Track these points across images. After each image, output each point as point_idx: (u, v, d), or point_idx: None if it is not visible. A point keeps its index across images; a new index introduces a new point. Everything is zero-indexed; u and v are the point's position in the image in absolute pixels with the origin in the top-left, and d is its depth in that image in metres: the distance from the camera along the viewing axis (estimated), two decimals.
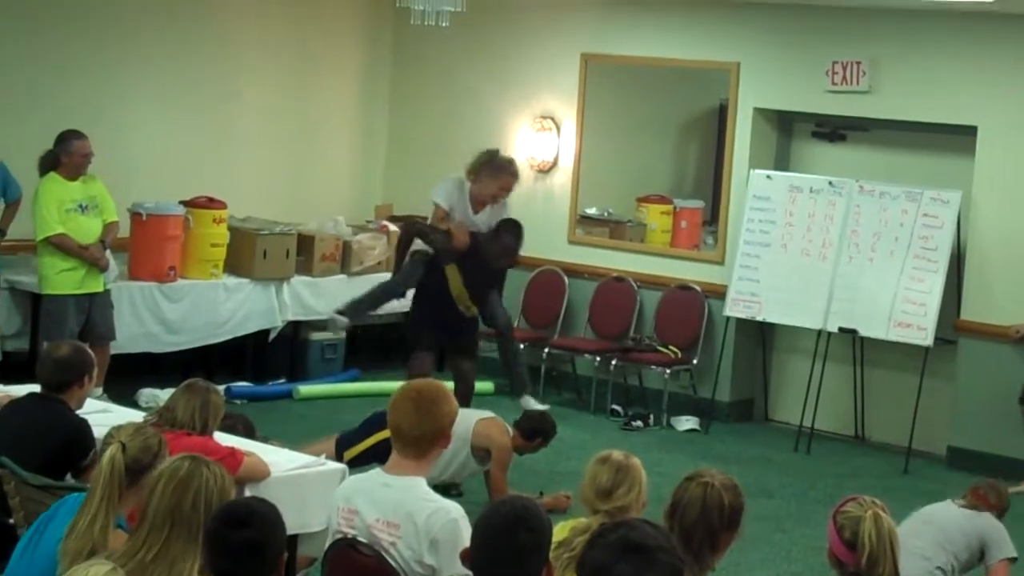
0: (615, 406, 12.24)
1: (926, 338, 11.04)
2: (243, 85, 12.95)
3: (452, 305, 10.07)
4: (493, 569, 4.05)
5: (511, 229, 10.11)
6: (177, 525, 4.34)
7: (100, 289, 10.53)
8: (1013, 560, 7.18)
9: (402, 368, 12.39)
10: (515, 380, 10.47)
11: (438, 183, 10.34)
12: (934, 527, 6.87)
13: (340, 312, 10.56)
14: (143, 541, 4.36)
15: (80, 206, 10.41)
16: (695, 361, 12.27)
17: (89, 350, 6.74)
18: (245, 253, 11.93)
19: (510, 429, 9.28)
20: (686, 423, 12.05)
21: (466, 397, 9.93)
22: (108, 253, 10.59)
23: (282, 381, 12.24)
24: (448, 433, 5.32)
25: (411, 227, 10.41)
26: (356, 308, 10.59)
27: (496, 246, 10.01)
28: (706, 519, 4.62)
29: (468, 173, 10.15)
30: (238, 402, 11.39)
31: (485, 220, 10.09)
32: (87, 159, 10.42)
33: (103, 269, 10.52)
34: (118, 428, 5.16)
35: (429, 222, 10.18)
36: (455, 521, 5.09)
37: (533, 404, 10.21)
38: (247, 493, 6.26)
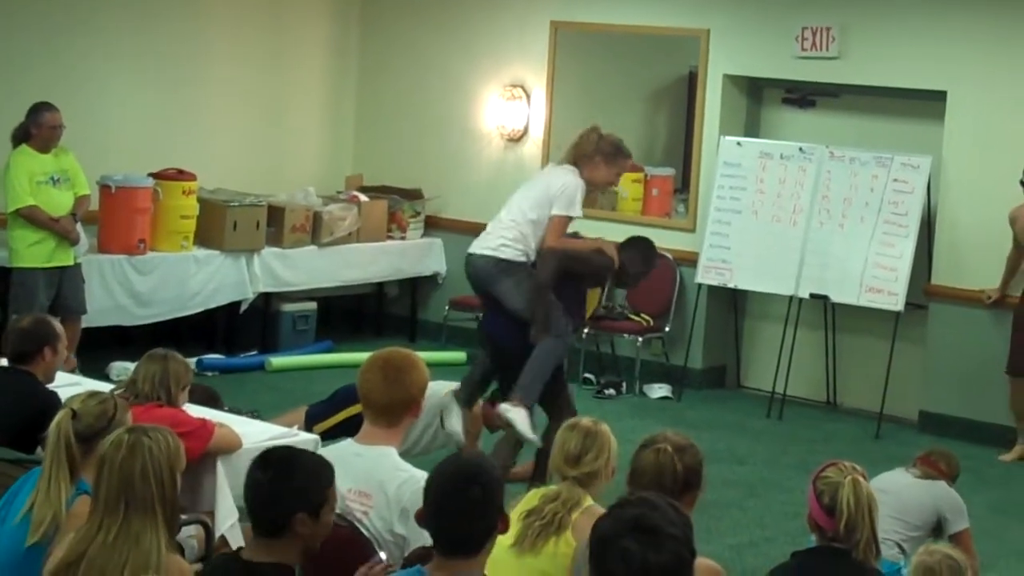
0: (588, 374, 12.24)
1: (897, 303, 11.06)
2: (212, 56, 12.89)
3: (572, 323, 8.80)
4: (446, 525, 4.05)
5: (652, 250, 9.15)
6: (131, 500, 4.30)
7: (70, 263, 10.48)
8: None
9: (373, 339, 12.42)
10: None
11: (560, 183, 8.64)
12: (891, 498, 6.81)
13: (527, 403, 8.51)
14: (99, 524, 4.32)
15: (52, 179, 10.35)
16: (667, 329, 12.28)
17: (53, 321, 6.74)
18: (215, 225, 11.88)
19: (480, 400, 9.19)
20: (658, 391, 12.06)
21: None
22: (79, 226, 10.54)
23: (254, 353, 12.22)
24: (418, 402, 5.32)
25: (563, 263, 8.55)
26: (540, 391, 8.58)
27: (643, 268, 9.05)
28: (659, 483, 4.66)
29: (575, 156, 8.74)
30: (210, 374, 11.38)
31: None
32: (57, 131, 10.36)
33: (74, 242, 10.47)
34: (73, 396, 5.15)
35: (560, 240, 8.61)
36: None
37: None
38: (219, 465, 6.26)
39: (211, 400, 7.74)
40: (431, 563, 4.11)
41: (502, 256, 8.58)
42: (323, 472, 4.37)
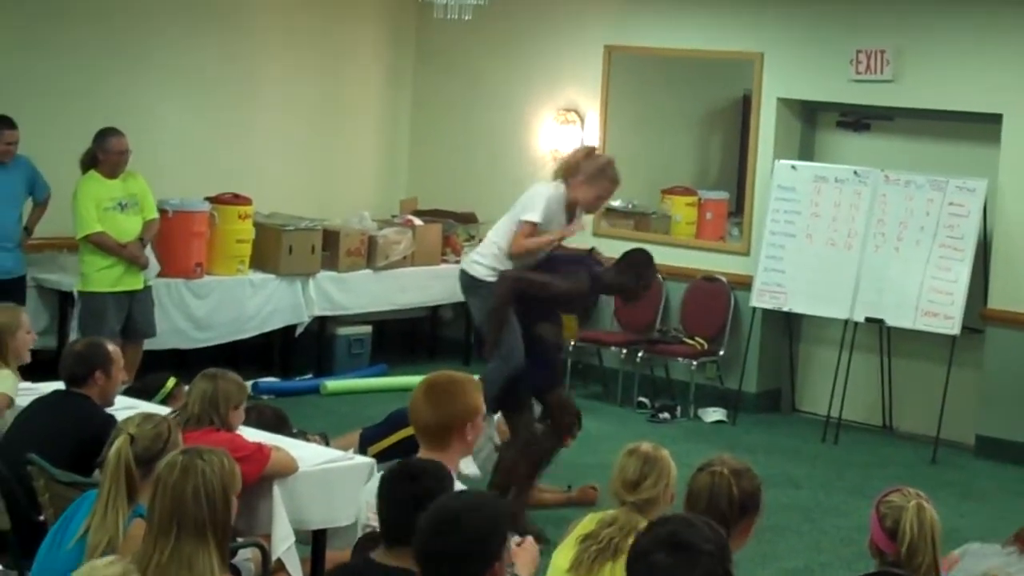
0: (642, 398, 12.23)
1: (953, 327, 11.01)
2: (267, 80, 12.98)
3: (547, 346, 8.84)
4: (437, 572, 3.91)
5: (649, 263, 8.96)
6: (184, 523, 4.31)
7: (139, 287, 10.55)
8: None
9: (427, 362, 12.45)
10: None
11: (532, 195, 8.81)
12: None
13: None
14: (154, 544, 4.34)
15: (119, 204, 10.41)
16: (722, 352, 12.26)
17: (106, 344, 6.77)
18: (271, 249, 11.96)
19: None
20: (713, 414, 12.04)
21: (571, 428, 8.88)
22: (149, 250, 10.62)
23: (309, 376, 12.27)
24: (464, 424, 5.31)
25: (517, 286, 8.59)
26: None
27: (639, 285, 8.93)
28: (715, 507, 4.63)
29: (560, 173, 8.81)
30: (265, 397, 11.42)
31: (571, 231, 8.91)
32: (123, 156, 10.42)
33: (142, 267, 10.55)
34: (127, 420, 5.18)
35: (520, 242, 8.61)
36: None
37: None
38: (275, 489, 6.28)
39: (280, 422, 7.76)
40: None
41: (471, 273, 8.76)
42: (450, 477, 4.61)
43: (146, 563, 4.32)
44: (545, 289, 8.62)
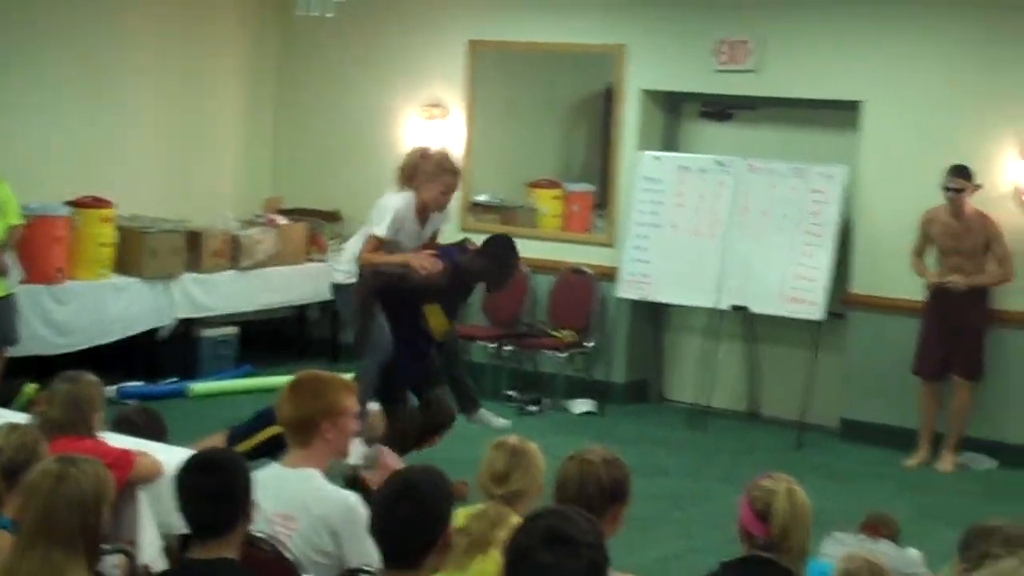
0: (510, 391, 12.24)
1: (817, 312, 11.14)
2: (127, 80, 12.80)
3: (419, 337, 9.00)
4: (387, 539, 4.14)
5: (510, 249, 9.13)
6: (54, 533, 4.27)
7: (2, 293, 10.37)
8: None
9: (295, 362, 12.37)
10: (460, 395, 9.46)
11: (380, 207, 8.96)
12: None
13: None
14: (22, 555, 4.29)
15: None
16: (589, 344, 12.29)
17: None
18: (133, 252, 11.80)
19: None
20: (582, 406, 12.08)
21: (441, 427, 9.11)
22: (12, 257, 10.43)
23: (175, 379, 12.13)
24: (327, 422, 5.33)
25: (376, 280, 8.81)
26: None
27: (500, 273, 9.10)
28: (585, 495, 4.67)
29: (401, 180, 8.95)
30: (130, 402, 11.26)
31: (428, 232, 9.10)
32: None
33: (2, 273, 10.36)
34: None
35: (366, 256, 8.84)
36: (352, 507, 5.13)
37: (492, 420, 9.51)
38: (140, 494, 6.19)
39: (154, 422, 7.64)
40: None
41: (334, 280, 9.10)
42: (244, 461, 4.60)
43: (14, 574, 4.25)
44: (403, 280, 8.75)
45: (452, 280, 8.98)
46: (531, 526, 3.45)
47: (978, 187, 10.46)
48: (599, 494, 4.71)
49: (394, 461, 5.73)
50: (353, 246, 9.03)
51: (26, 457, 4.91)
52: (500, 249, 9.08)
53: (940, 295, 10.59)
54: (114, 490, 4.50)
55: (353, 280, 8.86)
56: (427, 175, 8.88)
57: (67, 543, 4.26)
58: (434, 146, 9.74)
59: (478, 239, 9.23)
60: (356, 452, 8.05)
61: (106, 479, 4.43)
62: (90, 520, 4.32)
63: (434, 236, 9.22)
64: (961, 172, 10.42)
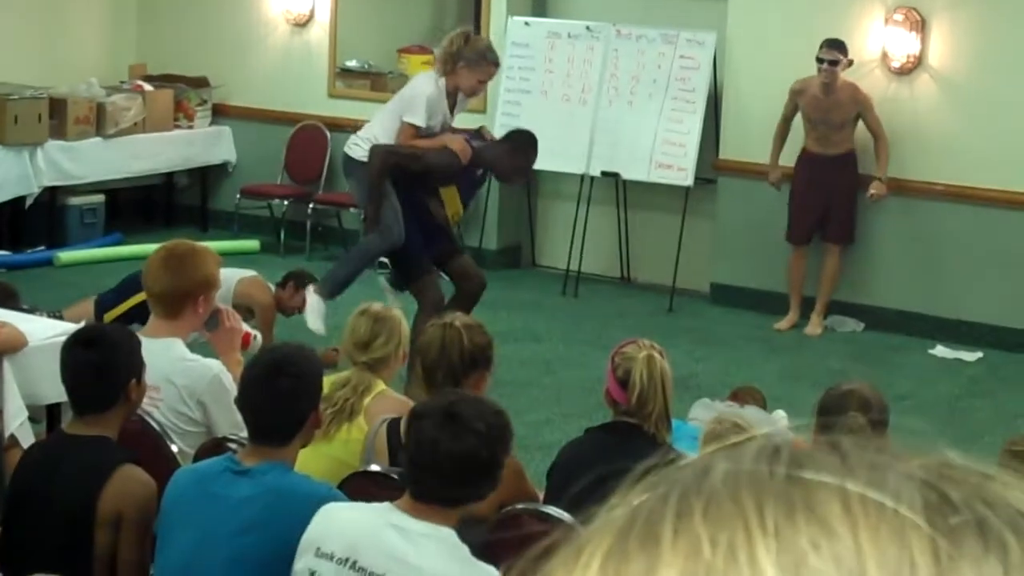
0: (382, 259, 12.18)
1: (687, 178, 11.20)
2: None
3: (433, 220, 9.01)
4: (256, 414, 4.14)
5: (530, 143, 9.07)
6: None
7: None
8: None
9: (164, 230, 12.25)
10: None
11: (410, 93, 8.93)
12: None
13: (324, 293, 8.97)
14: None
15: None
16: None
17: None
18: None
19: (272, 287, 9.21)
20: None
21: (476, 295, 9.17)
22: None
23: (41, 248, 11.97)
24: (200, 294, 5.30)
25: (388, 159, 8.72)
26: (345, 283, 9.12)
27: (513, 163, 9.06)
28: (446, 358, 4.71)
29: (443, 64, 8.83)
30: None
31: (456, 116, 9.10)
32: None
33: None
34: None
35: (395, 145, 8.79)
36: (216, 377, 5.13)
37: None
38: (4, 364, 6.12)
39: (8, 297, 7.55)
40: (243, 450, 4.18)
41: (350, 154, 8.93)
42: (135, 339, 4.58)
43: None
44: (417, 161, 8.71)
45: (467, 166, 8.90)
46: (435, 399, 3.58)
47: (851, 62, 10.48)
48: (460, 358, 4.75)
49: (236, 323, 5.70)
50: (374, 129, 8.92)
51: None
52: (522, 143, 9.06)
53: (809, 161, 10.67)
54: None
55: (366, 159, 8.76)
56: (469, 62, 8.78)
57: None
58: (475, 32, 9.60)
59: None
60: (315, 320, 8.69)
61: None
62: None
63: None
64: (836, 45, 10.43)
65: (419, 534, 3.58)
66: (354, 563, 3.59)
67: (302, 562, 3.71)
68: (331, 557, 3.63)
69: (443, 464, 3.55)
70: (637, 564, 0.82)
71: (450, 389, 3.75)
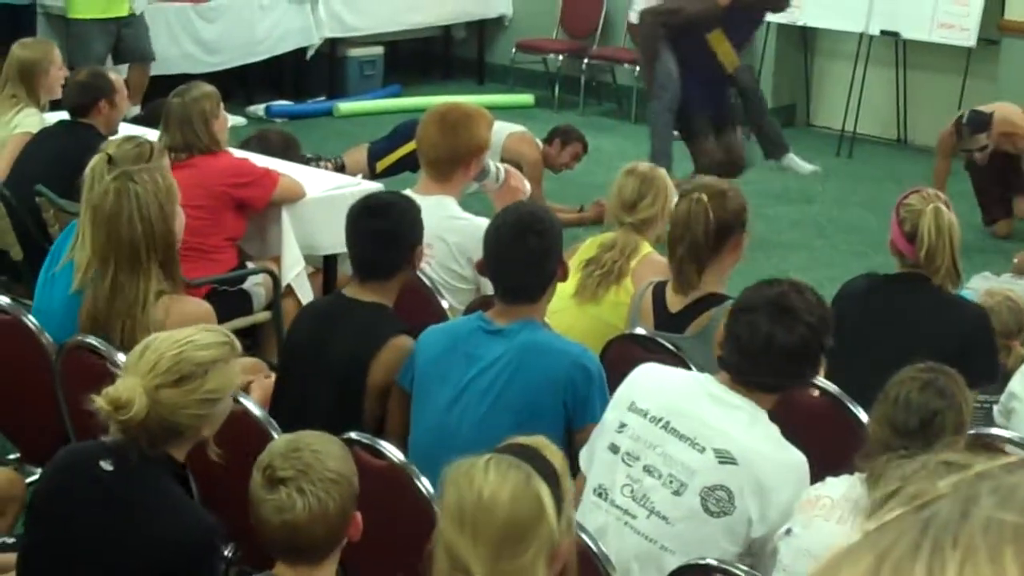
0: None
1: (969, 39, 10.88)
2: None
3: (712, 74, 9.04)
4: (505, 274, 4.15)
5: None
6: (119, 248, 4.38)
7: (124, 13, 10.34)
8: None
9: (441, 82, 12.39)
10: (766, 141, 9.62)
11: None
12: None
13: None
14: (95, 274, 4.45)
15: None
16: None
17: (109, 74, 6.72)
18: None
19: (540, 143, 9.19)
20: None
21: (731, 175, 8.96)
22: None
23: (322, 99, 12.21)
24: (472, 159, 5.33)
25: (654, 19, 8.88)
26: (664, 152, 8.96)
27: None
28: (689, 234, 4.62)
29: None
30: (278, 120, 11.41)
31: None
32: None
33: None
34: (109, 141, 5.13)
35: (657, 5, 8.97)
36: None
37: (801, 165, 9.72)
38: (284, 214, 6.28)
39: (289, 147, 7.70)
40: (492, 309, 4.21)
41: (630, 20, 9.69)
42: (416, 207, 4.56)
43: (94, 292, 4.39)
44: (677, 15, 8.79)
45: (729, 8, 8.83)
46: (764, 288, 3.61)
47: None
48: (704, 234, 4.61)
49: (521, 184, 5.74)
50: None
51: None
52: None
53: None
54: (178, 194, 4.56)
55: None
56: None
57: (132, 259, 4.36)
58: None
59: None
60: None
61: (169, 186, 4.48)
62: (157, 229, 4.40)
63: None
64: None
65: (735, 407, 3.61)
66: (667, 423, 3.61)
67: (615, 413, 3.72)
68: (645, 414, 3.65)
69: (775, 355, 3.55)
70: None
71: (774, 279, 3.71)
